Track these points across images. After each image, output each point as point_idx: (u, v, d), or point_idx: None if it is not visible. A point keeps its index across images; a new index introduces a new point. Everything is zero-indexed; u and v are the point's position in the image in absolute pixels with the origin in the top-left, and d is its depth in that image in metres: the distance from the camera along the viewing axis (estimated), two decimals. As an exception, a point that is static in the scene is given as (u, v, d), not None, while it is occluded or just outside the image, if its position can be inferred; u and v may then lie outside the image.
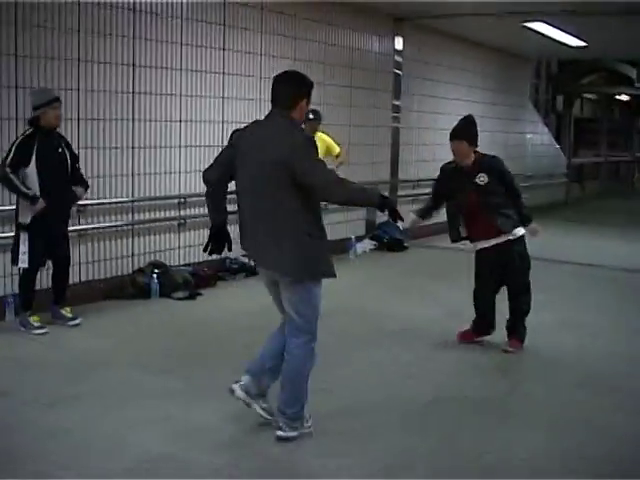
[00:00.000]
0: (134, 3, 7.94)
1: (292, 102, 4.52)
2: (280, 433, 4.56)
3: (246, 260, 9.33)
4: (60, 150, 6.79)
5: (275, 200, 4.42)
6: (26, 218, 6.60)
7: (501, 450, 4.58)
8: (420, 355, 6.46)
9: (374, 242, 11.84)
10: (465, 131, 6.63)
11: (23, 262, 6.66)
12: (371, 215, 12.06)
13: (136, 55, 8.07)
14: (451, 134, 6.65)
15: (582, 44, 14.03)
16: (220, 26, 9.03)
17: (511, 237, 6.54)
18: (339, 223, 10.83)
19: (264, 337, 5.27)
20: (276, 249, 4.44)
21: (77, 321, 6.94)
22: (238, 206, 4.67)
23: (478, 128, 6.75)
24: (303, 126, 5.09)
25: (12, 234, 6.86)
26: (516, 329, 6.66)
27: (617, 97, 27.89)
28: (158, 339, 6.71)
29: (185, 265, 8.72)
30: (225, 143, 5.24)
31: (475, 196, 6.47)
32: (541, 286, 9.30)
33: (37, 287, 6.98)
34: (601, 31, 12.98)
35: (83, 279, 7.71)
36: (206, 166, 4.75)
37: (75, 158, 6.99)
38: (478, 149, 6.72)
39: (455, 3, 10.89)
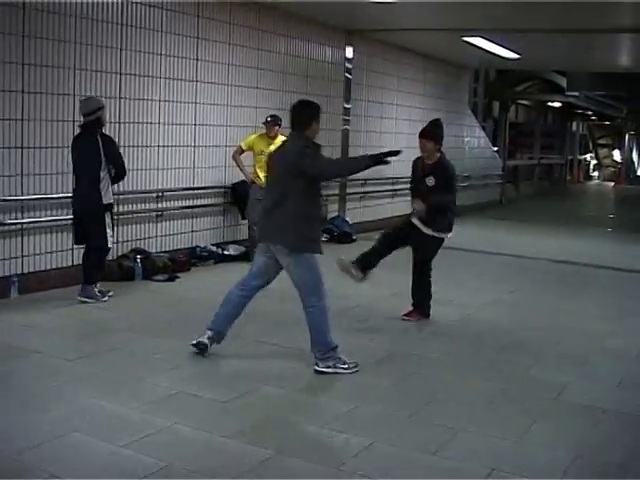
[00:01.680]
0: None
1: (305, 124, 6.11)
2: (316, 367, 6.05)
3: (214, 249, 10.47)
4: None
5: (285, 192, 5.97)
6: (109, 198, 7.81)
7: (443, 392, 5.81)
8: (372, 325, 7.67)
9: (326, 235, 12.99)
10: (432, 131, 7.72)
11: (110, 242, 7.96)
12: (323, 211, 13.25)
13: (123, 65, 9.12)
14: (420, 132, 7.73)
15: (516, 56, 15.29)
16: (193, 38, 10.10)
17: (436, 235, 7.66)
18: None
19: None
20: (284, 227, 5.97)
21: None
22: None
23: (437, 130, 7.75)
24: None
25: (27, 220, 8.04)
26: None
27: (550, 104, 29.36)
28: (149, 312, 7.80)
29: (162, 252, 9.77)
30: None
31: (422, 191, 7.64)
32: (476, 273, 10.71)
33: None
34: (534, 45, 14.27)
35: (76, 262, 8.68)
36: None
37: None
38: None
39: (400, 19, 12.12)
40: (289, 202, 5.94)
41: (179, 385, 5.56)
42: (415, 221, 7.66)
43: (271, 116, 10.25)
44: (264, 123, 10.27)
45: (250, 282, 6.29)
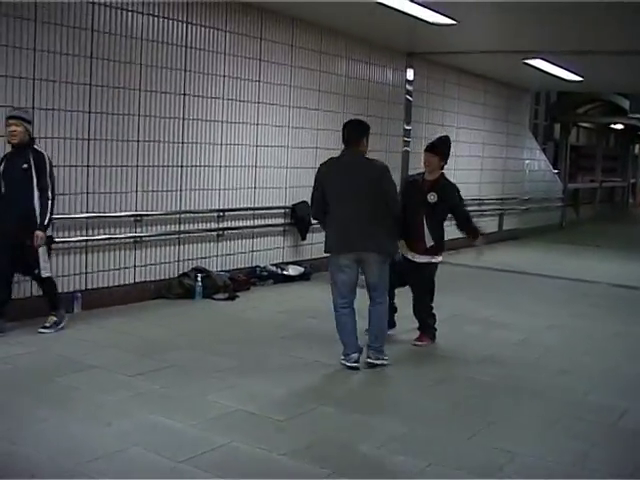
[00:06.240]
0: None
1: (359, 140, 6.69)
2: (370, 361, 6.72)
3: (274, 269, 10.56)
4: (25, 166, 7.05)
5: (371, 205, 6.51)
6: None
7: (500, 415, 5.80)
8: (429, 348, 7.66)
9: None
10: (440, 147, 7.63)
11: None
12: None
13: (187, 86, 9.29)
14: (428, 146, 7.65)
15: (578, 79, 15.19)
16: (256, 60, 10.25)
17: (432, 260, 7.54)
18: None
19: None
20: (372, 235, 6.49)
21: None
22: (332, 214, 6.64)
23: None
24: None
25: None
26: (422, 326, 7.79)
27: (612, 126, 29.03)
28: (209, 330, 7.88)
29: (223, 271, 9.88)
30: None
31: (421, 210, 7.41)
32: (534, 297, 10.64)
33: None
34: (596, 67, 14.15)
35: (137, 280, 8.87)
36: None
37: (41, 175, 7.09)
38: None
39: (461, 41, 12.14)
40: (374, 214, 6.60)
41: (237, 403, 5.62)
42: (417, 257, 7.54)
43: None
44: None
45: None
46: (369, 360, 6.71)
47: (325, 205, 6.66)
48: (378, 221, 6.53)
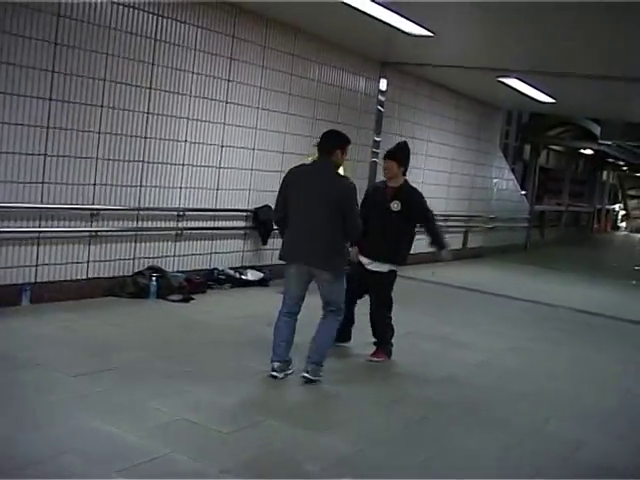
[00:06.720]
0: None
1: (332, 150, 6.42)
2: (307, 375, 6.37)
3: (232, 272, 10.31)
4: None
5: (329, 220, 6.25)
6: None
7: (454, 439, 5.60)
8: (386, 365, 7.46)
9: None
10: (397, 153, 7.51)
11: None
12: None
13: (154, 80, 9.01)
14: (385, 154, 7.55)
15: (551, 100, 15.14)
16: (227, 59, 10.01)
17: (380, 269, 7.38)
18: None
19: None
20: (322, 251, 6.27)
21: None
22: (290, 222, 6.46)
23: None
24: None
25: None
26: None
27: (582, 151, 29.12)
28: (160, 331, 7.61)
29: (179, 272, 9.61)
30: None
31: (383, 218, 7.32)
32: (495, 317, 10.53)
33: None
34: (569, 91, 14.13)
35: (91, 276, 8.57)
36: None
37: None
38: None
39: (436, 54, 12.00)
40: (327, 229, 6.35)
41: (181, 411, 5.36)
42: (373, 266, 7.41)
43: None
44: None
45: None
46: (305, 375, 6.39)
47: (286, 211, 6.47)
48: (333, 239, 6.31)
